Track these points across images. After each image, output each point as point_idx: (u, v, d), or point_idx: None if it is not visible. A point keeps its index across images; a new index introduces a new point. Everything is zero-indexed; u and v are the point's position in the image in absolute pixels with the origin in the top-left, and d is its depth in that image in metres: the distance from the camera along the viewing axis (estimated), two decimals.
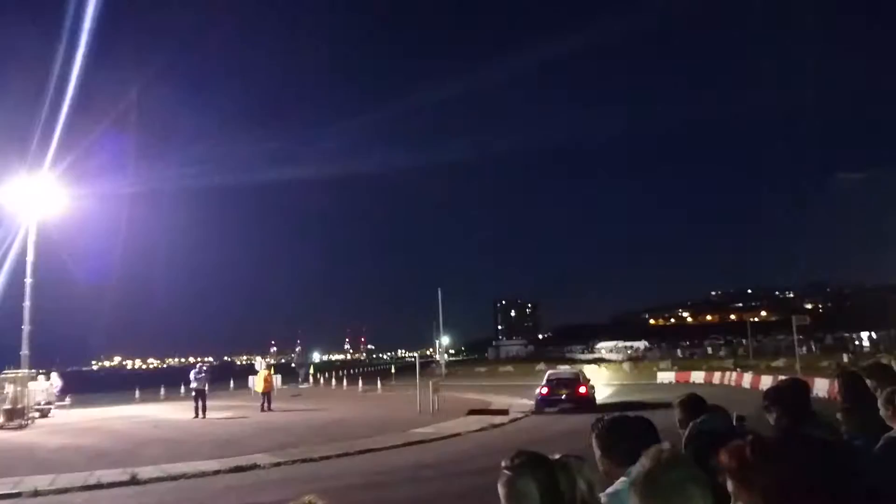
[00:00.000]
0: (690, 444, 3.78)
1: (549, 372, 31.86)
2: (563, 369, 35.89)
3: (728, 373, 43.66)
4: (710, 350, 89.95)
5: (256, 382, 34.09)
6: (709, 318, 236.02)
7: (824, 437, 1.96)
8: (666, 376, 48.15)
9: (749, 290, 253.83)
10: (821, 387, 27.73)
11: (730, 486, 1.66)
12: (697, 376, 45.37)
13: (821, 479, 1.54)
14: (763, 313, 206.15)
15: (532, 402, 28.31)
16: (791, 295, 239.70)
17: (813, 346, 71.07)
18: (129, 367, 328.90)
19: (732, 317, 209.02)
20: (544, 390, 27.83)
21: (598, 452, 2.97)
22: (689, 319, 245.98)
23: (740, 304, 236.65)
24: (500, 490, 2.28)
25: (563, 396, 27.25)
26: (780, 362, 52.46)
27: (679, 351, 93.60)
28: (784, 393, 4.19)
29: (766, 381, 33.24)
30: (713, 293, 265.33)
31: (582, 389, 27.65)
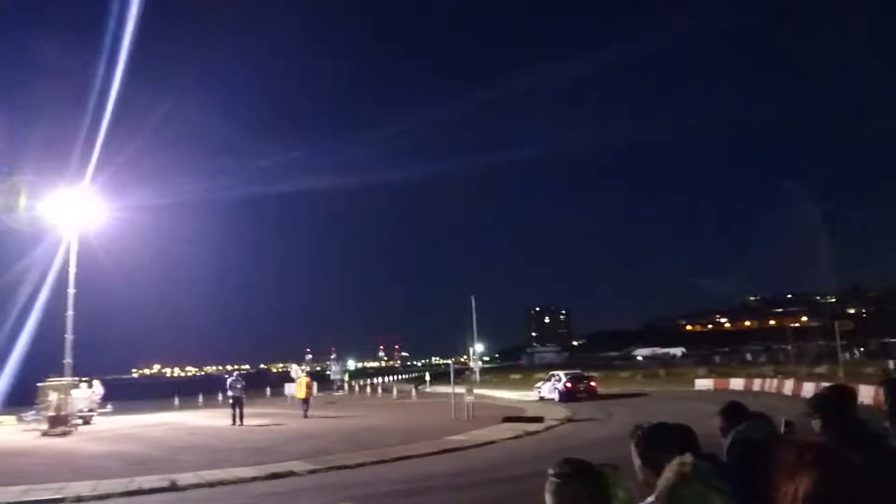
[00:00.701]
0: (731, 452, 3.69)
1: (564, 372, 41.97)
2: (575, 371, 45.32)
3: (768, 379, 42.69)
4: (748, 356, 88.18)
5: (297, 389, 34.65)
6: (747, 323, 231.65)
7: (872, 445, 1.90)
8: (704, 383, 47.26)
9: (788, 295, 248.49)
10: (865, 394, 26.81)
11: (778, 478, 1.66)
12: (736, 383, 44.42)
13: (868, 489, 1.53)
14: (803, 318, 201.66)
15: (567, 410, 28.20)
16: (832, 300, 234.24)
17: (856, 352, 69.23)
18: (168, 374, 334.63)
19: (772, 322, 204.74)
20: (568, 384, 37.53)
21: (637, 461, 2.90)
22: (727, 325, 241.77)
23: (780, 310, 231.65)
24: (549, 498, 2.24)
25: (581, 388, 37.47)
26: (822, 368, 51.06)
27: (717, 357, 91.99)
28: (830, 399, 4.07)
29: (808, 388, 32.41)
30: (751, 298, 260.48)
31: (593, 384, 38.91)
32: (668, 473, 1.90)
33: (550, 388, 39.48)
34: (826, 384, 5.15)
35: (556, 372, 42.98)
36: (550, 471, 2.30)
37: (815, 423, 3.95)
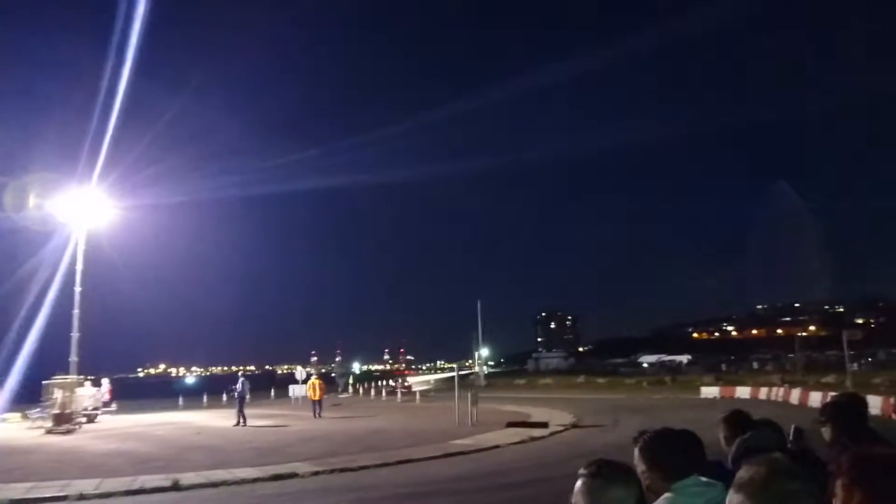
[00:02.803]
0: (737, 461, 3.63)
1: None
2: None
3: (775, 388, 42.46)
4: (755, 365, 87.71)
5: (309, 390, 35.10)
6: (755, 332, 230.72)
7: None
8: (710, 391, 47.04)
9: (797, 304, 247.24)
10: (874, 404, 26.74)
11: (839, 488, 1.69)
12: (743, 391, 44.23)
13: None
14: (812, 328, 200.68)
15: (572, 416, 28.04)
16: (841, 309, 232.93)
17: (864, 362, 68.79)
18: (173, 374, 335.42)
19: (780, 331, 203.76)
20: None
21: (641, 466, 2.85)
22: (734, 333, 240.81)
23: (788, 319, 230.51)
24: (583, 499, 2.19)
25: None
26: (830, 378, 50.78)
27: (723, 365, 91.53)
28: (842, 408, 4.01)
29: (816, 398, 32.22)
30: (759, 307, 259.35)
31: None
32: (758, 466, 1.85)
33: None
34: (833, 393, 5.09)
35: None
36: (584, 470, 2.24)
37: (826, 432, 3.88)
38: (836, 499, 1.70)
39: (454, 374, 36.90)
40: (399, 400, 48.14)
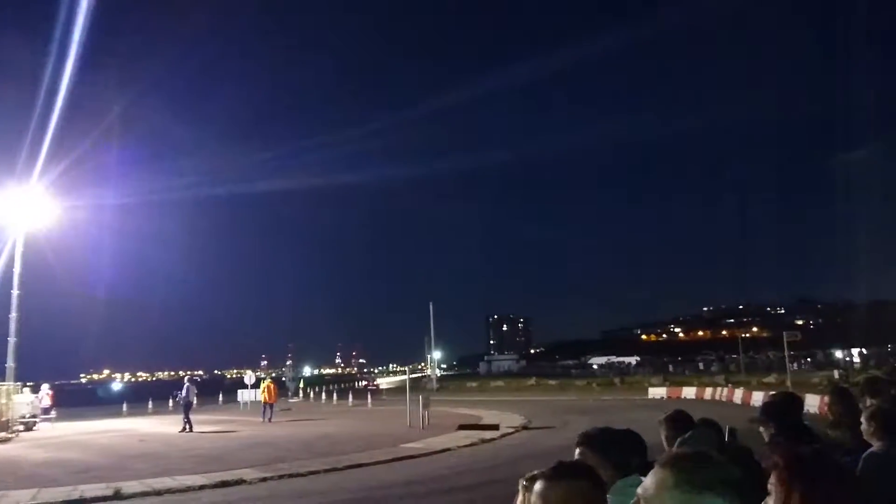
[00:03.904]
0: None
1: None
2: None
3: (719, 388, 43.62)
4: (701, 366, 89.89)
5: (262, 394, 34.43)
6: (700, 333, 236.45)
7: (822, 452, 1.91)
8: (657, 392, 48.03)
9: (741, 307, 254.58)
10: (812, 402, 27.66)
11: (770, 483, 1.74)
12: (689, 392, 45.31)
13: (848, 501, 1.59)
14: (755, 329, 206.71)
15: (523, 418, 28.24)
16: (782, 311, 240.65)
17: (804, 363, 71.16)
18: (117, 380, 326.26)
19: (724, 333, 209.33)
20: None
21: (592, 462, 2.88)
22: (682, 335, 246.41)
23: (732, 321, 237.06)
24: (538, 501, 2.15)
25: None
26: (771, 378, 52.44)
27: (671, 367, 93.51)
28: (779, 407, 4.12)
29: (758, 397, 33.21)
30: (705, 309, 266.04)
31: None
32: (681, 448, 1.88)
33: None
34: (773, 392, 5.24)
35: None
36: (538, 472, 2.21)
37: (765, 431, 3.97)
38: (770, 496, 1.73)
39: (406, 377, 36.99)
40: (350, 404, 47.75)
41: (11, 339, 27.93)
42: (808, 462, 1.71)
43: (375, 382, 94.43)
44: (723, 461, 1.75)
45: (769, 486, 1.76)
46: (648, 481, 1.72)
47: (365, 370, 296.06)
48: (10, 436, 25.87)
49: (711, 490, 1.60)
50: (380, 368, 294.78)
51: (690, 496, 1.60)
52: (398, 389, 62.25)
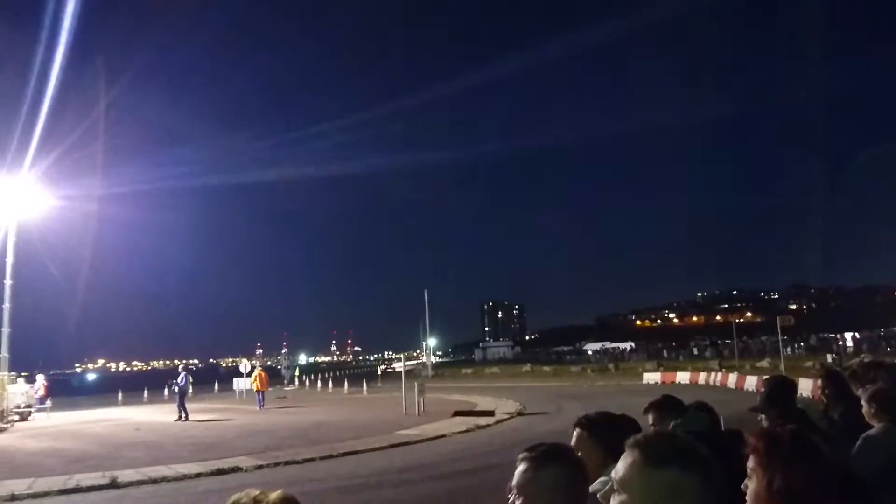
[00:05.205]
0: None
1: None
2: None
3: (713, 373, 43.82)
4: (695, 351, 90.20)
5: (253, 382, 35.95)
6: (694, 319, 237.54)
7: (811, 434, 1.90)
8: (652, 377, 48.22)
9: (734, 292, 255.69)
10: (805, 386, 27.82)
11: (749, 466, 1.73)
12: (683, 377, 45.48)
13: (828, 481, 1.58)
14: (748, 314, 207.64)
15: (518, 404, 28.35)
16: (776, 296, 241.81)
17: (797, 347, 71.54)
18: (112, 369, 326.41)
19: (718, 318, 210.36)
20: None
21: (582, 447, 2.89)
22: (675, 321, 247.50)
23: (725, 306, 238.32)
24: (526, 482, 2.15)
25: None
26: (764, 363, 52.66)
27: (665, 352, 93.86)
28: (773, 391, 4.14)
29: (751, 382, 33.38)
30: (699, 294, 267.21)
31: None
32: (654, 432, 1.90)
33: None
34: (767, 377, 5.26)
35: None
36: (525, 453, 2.21)
37: (766, 419, 3.99)
38: (749, 479, 1.72)
39: (404, 364, 37.08)
40: (346, 391, 47.85)
41: (5, 329, 27.81)
42: (787, 443, 1.71)
43: (393, 366, 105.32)
44: (688, 439, 1.78)
45: (748, 469, 1.76)
46: (619, 464, 1.76)
47: (360, 358, 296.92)
48: (5, 426, 25.87)
49: (673, 464, 1.65)
50: (376, 356, 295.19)
51: (654, 471, 1.66)
52: (395, 376, 62.46)
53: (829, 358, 47.67)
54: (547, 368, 76.80)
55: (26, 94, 34.98)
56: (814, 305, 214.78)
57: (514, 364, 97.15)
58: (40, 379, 33.60)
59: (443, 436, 20.51)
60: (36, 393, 32.04)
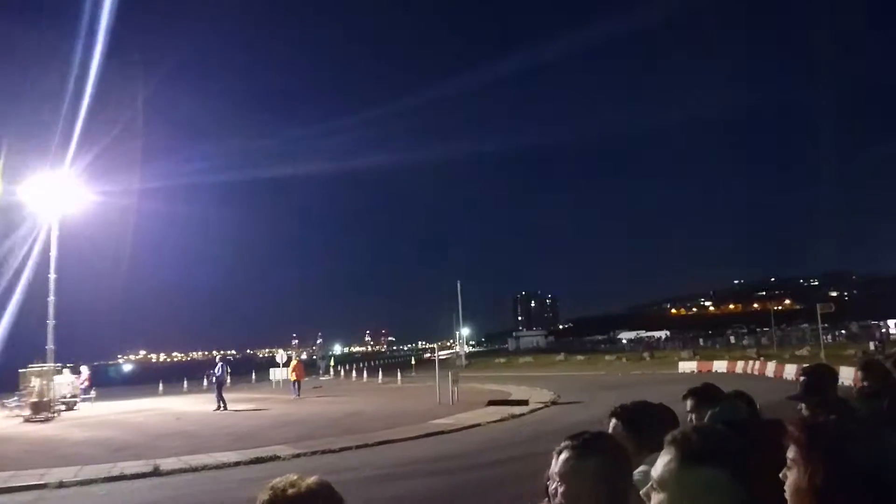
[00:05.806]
0: None
1: None
2: None
3: (751, 362, 43.11)
4: (732, 339, 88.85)
5: (290, 373, 36.83)
6: (731, 307, 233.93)
7: (853, 424, 1.86)
8: (688, 366, 47.63)
9: (772, 279, 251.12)
10: (846, 375, 27.25)
11: (790, 457, 1.70)
12: (720, 365, 44.84)
13: (868, 472, 1.55)
14: (787, 302, 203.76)
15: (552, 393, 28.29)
16: (815, 283, 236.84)
17: (838, 335, 69.91)
18: (153, 360, 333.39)
19: (756, 306, 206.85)
20: None
21: (621, 434, 2.89)
22: (712, 309, 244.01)
23: (763, 293, 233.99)
24: (566, 472, 2.14)
25: None
26: (804, 351, 51.64)
27: (701, 340, 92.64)
28: (813, 379, 4.08)
29: (790, 370, 32.78)
30: (736, 282, 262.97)
31: None
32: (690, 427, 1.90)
33: None
34: (807, 365, 5.17)
35: None
36: (567, 442, 2.20)
37: (805, 408, 3.93)
38: (789, 469, 1.70)
39: (441, 353, 37.14)
40: (380, 381, 48.18)
41: (50, 322, 28.57)
42: (830, 435, 1.68)
43: (437, 354, 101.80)
44: (725, 433, 1.77)
45: (788, 460, 1.73)
46: (658, 462, 1.77)
47: (394, 348, 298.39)
48: (51, 415, 26.59)
49: (707, 462, 1.67)
50: (409, 346, 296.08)
51: (689, 469, 1.68)
52: (428, 365, 62.79)
53: (872, 346, 46.59)
54: (580, 357, 76.35)
55: (67, 93, 35.83)
56: (855, 292, 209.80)
57: (547, 353, 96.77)
58: (85, 370, 34.48)
59: (477, 425, 20.56)
60: (81, 384, 32.90)
